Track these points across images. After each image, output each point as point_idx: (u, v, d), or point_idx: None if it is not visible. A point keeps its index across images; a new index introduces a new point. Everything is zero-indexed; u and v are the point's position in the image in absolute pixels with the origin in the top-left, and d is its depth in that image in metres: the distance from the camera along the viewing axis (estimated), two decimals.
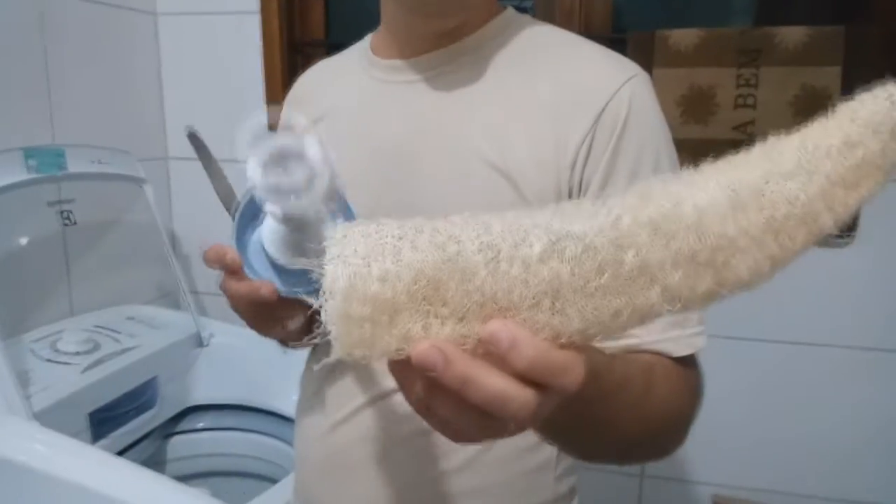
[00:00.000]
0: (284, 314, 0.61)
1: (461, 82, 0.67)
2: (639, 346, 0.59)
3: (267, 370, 1.40)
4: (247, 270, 0.58)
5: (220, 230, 1.70)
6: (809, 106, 1.28)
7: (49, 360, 1.20)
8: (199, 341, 1.46)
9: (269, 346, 1.41)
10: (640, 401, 0.53)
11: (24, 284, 1.34)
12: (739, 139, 1.33)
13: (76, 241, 1.44)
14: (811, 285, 1.36)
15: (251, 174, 0.40)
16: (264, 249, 0.57)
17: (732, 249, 0.33)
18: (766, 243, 0.33)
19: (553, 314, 0.33)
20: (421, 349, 0.32)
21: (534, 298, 0.32)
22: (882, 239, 1.32)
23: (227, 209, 0.67)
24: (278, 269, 0.57)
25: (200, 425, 1.45)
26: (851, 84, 1.28)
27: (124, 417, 1.26)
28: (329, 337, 0.32)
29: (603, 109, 0.62)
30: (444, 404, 0.34)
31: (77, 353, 1.23)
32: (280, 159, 0.41)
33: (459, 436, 0.37)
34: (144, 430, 1.33)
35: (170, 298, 1.75)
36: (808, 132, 0.35)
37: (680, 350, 0.61)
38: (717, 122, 1.34)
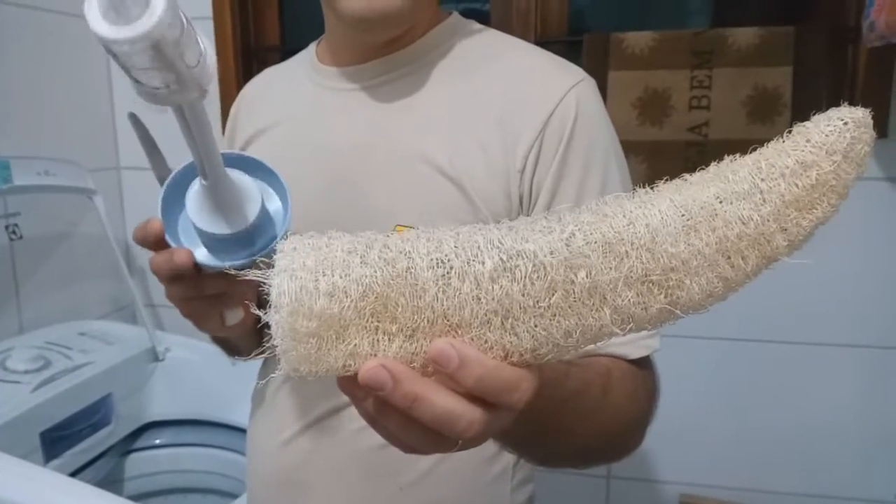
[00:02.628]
0: (218, 299, 0.58)
1: (405, 90, 0.67)
2: (595, 350, 0.59)
3: (225, 384, 1.37)
4: (172, 242, 0.54)
5: None
6: (761, 106, 1.30)
7: None
8: (154, 356, 1.42)
9: (226, 358, 1.38)
10: (597, 406, 0.54)
11: None
12: (695, 140, 1.34)
13: (24, 255, 1.39)
14: (782, 283, 1.38)
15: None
16: (189, 220, 0.53)
17: (685, 270, 0.33)
18: (719, 264, 0.33)
19: (504, 333, 0.32)
20: (368, 368, 0.32)
21: (485, 316, 0.32)
22: (866, 238, 1.34)
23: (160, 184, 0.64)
24: (207, 241, 0.54)
25: (158, 441, 1.41)
26: (802, 83, 1.30)
27: (78, 436, 1.22)
28: (276, 352, 0.31)
29: (550, 115, 0.62)
30: (392, 421, 0.34)
31: (26, 372, 1.19)
32: None
33: (409, 449, 0.37)
34: (100, 449, 1.29)
35: (125, 312, 1.71)
36: (763, 153, 0.35)
37: (636, 352, 0.61)
38: (672, 123, 1.35)
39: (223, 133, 0.86)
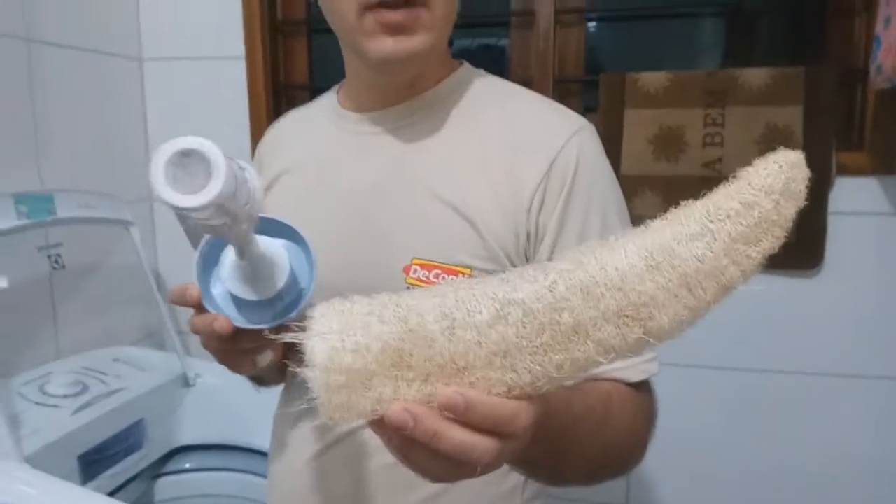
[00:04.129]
0: (251, 350, 0.63)
1: (421, 135, 0.73)
2: (596, 375, 0.64)
3: (253, 409, 1.41)
4: (209, 306, 0.60)
5: None
6: (773, 143, 1.32)
7: (38, 403, 1.22)
8: (185, 381, 1.48)
9: (254, 388, 1.43)
10: (600, 427, 0.58)
11: (12, 328, 1.36)
12: (709, 176, 1.38)
13: (63, 283, 1.46)
14: (779, 313, 1.40)
15: (152, 164, 0.41)
16: (225, 286, 0.59)
17: (654, 304, 0.38)
18: (683, 296, 0.38)
19: (504, 371, 0.37)
20: (392, 412, 0.37)
21: (486, 358, 0.37)
22: (847, 269, 1.37)
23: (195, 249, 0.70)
24: (239, 303, 0.60)
25: (188, 466, 1.46)
26: (812, 122, 1.34)
27: (113, 459, 1.28)
28: (314, 403, 0.36)
29: (554, 159, 0.68)
30: (418, 455, 0.40)
31: (65, 396, 1.25)
32: (183, 156, 0.42)
33: (435, 478, 0.42)
34: (132, 472, 1.35)
35: (154, 339, 1.77)
36: (712, 197, 0.40)
37: (635, 376, 0.66)
38: (686, 159, 1.39)
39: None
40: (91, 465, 1.23)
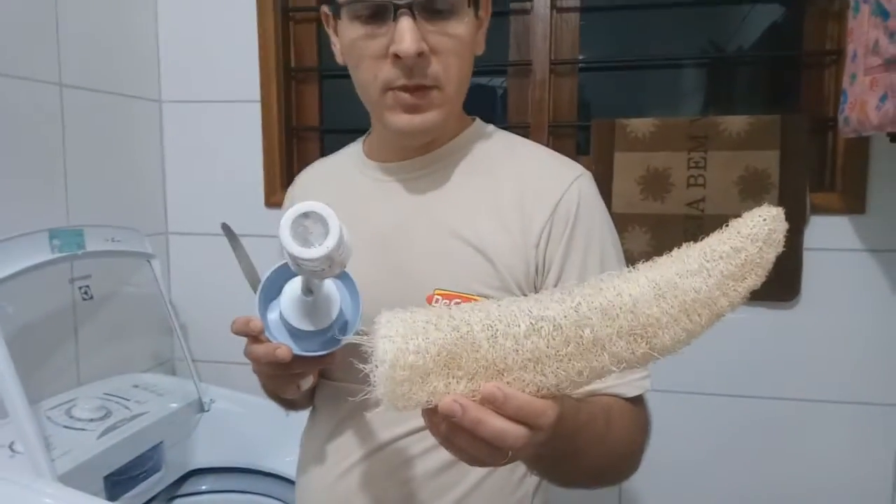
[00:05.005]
0: (299, 374, 0.74)
1: (439, 182, 0.84)
2: (598, 390, 0.74)
3: (265, 433, 1.50)
4: (267, 336, 0.69)
5: (214, 300, 1.85)
6: (752, 185, 1.45)
7: (66, 427, 1.29)
8: (200, 407, 1.55)
9: (267, 410, 1.53)
10: (603, 434, 0.67)
11: (40, 356, 1.43)
12: (693, 214, 1.49)
13: (85, 313, 1.54)
14: (759, 342, 1.51)
15: (282, 225, 0.55)
16: (282, 318, 0.69)
17: (658, 325, 0.47)
18: (682, 320, 0.48)
19: (535, 374, 0.47)
20: (445, 402, 0.47)
21: (522, 363, 0.46)
22: (822, 301, 1.48)
23: (252, 287, 0.80)
24: (293, 334, 0.69)
25: (203, 488, 1.53)
26: (787, 165, 1.46)
27: (135, 480, 1.35)
28: (377, 394, 0.45)
29: (558, 202, 0.79)
30: (462, 439, 0.49)
31: (91, 420, 1.32)
32: (304, 217, 0.55)
33: (473, 461, 0.52)
34: (151, 494, 1.41)
35: (166, 366, 1.85)
36: (708, 241, 0.50)
37: (631, 391, 0.76)
38: (672, 199, 1.50)
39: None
40: (116, 485, 1.29)
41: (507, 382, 0.47)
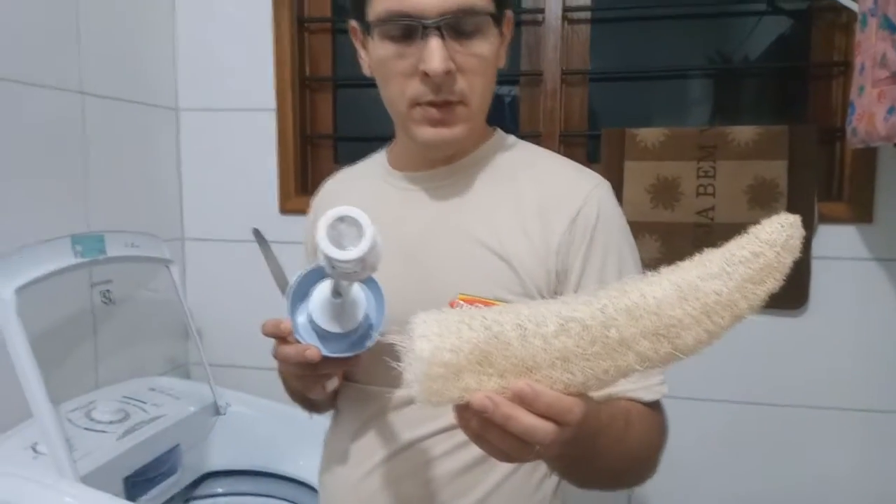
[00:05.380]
0: (326, 375, 0.76)
1: (461, 191, 0.87)
2: (617, 393, 0.76)
3: (280, 437, 1.52)
4: (296, 338, 0.72)
5: (230, 305, 1.88)
6: (761, 194, 1.47)
7: (87, 429, 1.31)
8: (216, 410, 1.57)
9: (281, 413, 1.55)
10: (622, 435, 0.69)
11: (61, 358, 1.46)
12: (702, 222, 1.51)
13: (104, 317, 1.57)
14: (768, 349, 1.53)
15: (319, 228, 0.58)
16: (311, 320, 0.71)
17: (681, 326, 0.49)
18: (704, 322, 0.50)
19: (563, 372, 0.49)
20: (477, 398, 0.49)
21: (550, 361, 0.48)
22: (829, 309, 1.50)
23: (281, 290, 0.83)
24: (322, 336, 0.72)
25: (218, 490, 1.55)
26: (796, 175, 1.49)
27: (153, 482, 1.37)
28: (412, 390, 0.48)
29: (579, 210, 0.82)
30: (492, 434, 0.51)
31: (111, 422, 1.34)
32: (339, 221, 0.59)
33: (503, 457, 0.53)
34: (167, 496, 1.43)
35: (180, 370, 1.87)
36: (728, 246, 0.52)
37: (649, 396, 0.78)
38: (682, 207, 1.52)
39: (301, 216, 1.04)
40: (134, 486, 1.32)
41: (536, 380, 0.49)
